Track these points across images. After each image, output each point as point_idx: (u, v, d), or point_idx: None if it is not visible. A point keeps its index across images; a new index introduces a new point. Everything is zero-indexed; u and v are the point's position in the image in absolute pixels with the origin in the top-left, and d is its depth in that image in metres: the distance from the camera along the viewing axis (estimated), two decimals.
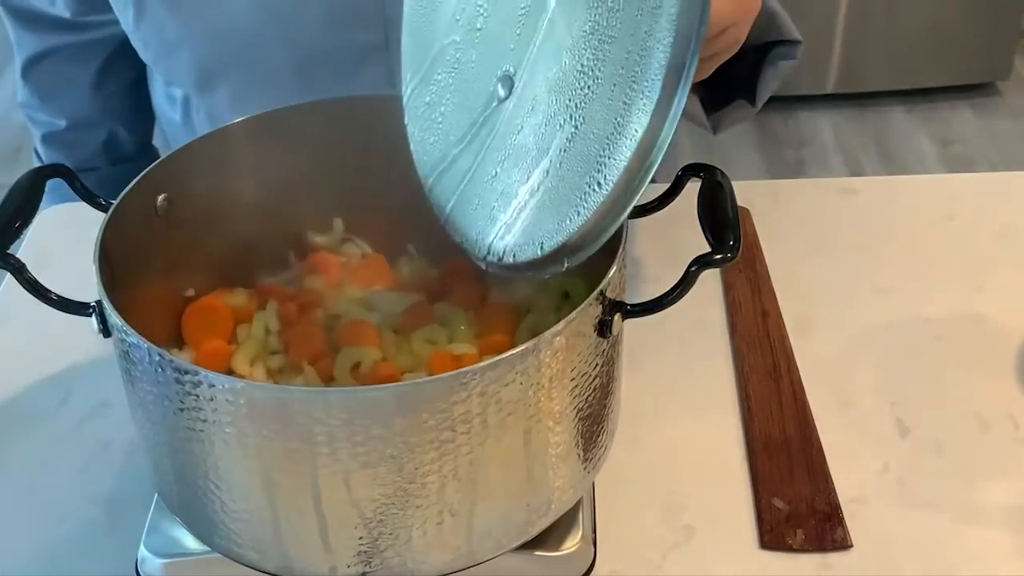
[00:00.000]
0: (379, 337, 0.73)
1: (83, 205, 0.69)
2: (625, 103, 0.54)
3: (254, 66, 0.93)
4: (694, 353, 0.85)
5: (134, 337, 0.57)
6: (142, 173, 0.68)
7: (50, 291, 0.62)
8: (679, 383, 0.82)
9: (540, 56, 0.58)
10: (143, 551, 0.68)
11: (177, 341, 0.74)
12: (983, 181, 1.02)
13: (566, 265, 0.58)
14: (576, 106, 0.56)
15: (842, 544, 0.70)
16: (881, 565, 0.70)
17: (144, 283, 0.68)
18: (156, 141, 1.19)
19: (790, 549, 0.70)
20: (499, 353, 0.56)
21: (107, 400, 0.82)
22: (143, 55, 0.98)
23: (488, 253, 0.62)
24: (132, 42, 0.97)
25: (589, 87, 0.55)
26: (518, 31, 0.60)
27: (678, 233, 0.92)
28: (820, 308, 0.87)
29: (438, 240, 0.80)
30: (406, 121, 0.69)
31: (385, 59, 0.91)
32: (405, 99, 0.69)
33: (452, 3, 0.65)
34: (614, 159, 0.54)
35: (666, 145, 0.54)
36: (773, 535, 0.71)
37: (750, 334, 0.85)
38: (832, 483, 0.74)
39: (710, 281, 0.90)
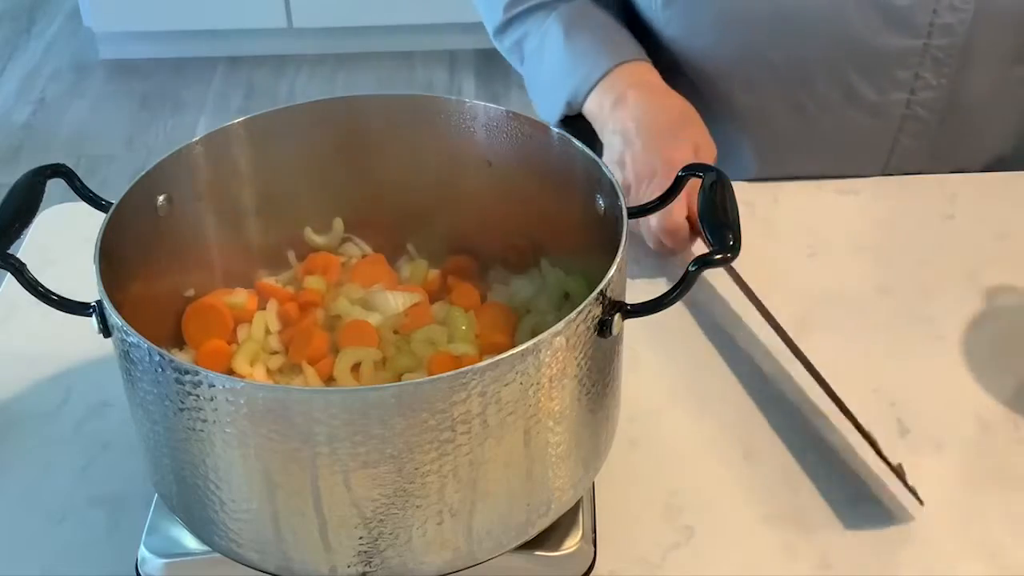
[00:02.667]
0: (379, 337, 0.73)
1: (83, 205, 0.69)
2: None
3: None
4: (694, 353, 0.85)
5: (134, 337, 0.57)
6: (142, 173, 0.68)
7: (50, 291, 0.62)
8: (679, 383, 0.82)
9: None
10: (143, 551, 0.68)
11: (177, 341, 0.74)
12: (983, 181, 1.02)
13: None
14: None
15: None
16: (881, 565, 0.70)
17: (144, 283, 0.68)
18: None
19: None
20: (499, 353, 0.56)
21: (107, 400, 0.82)
22: None
23: None
24: None
25: None
26: None
27: None
28: (820, 308, 0.87)
29: (438, 240, 0.80)
30: None
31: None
32: None
33: None
34: None
35: None
36: None
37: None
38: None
39: (711, 280, 0.90)
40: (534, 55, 1.06)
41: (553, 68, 1.02)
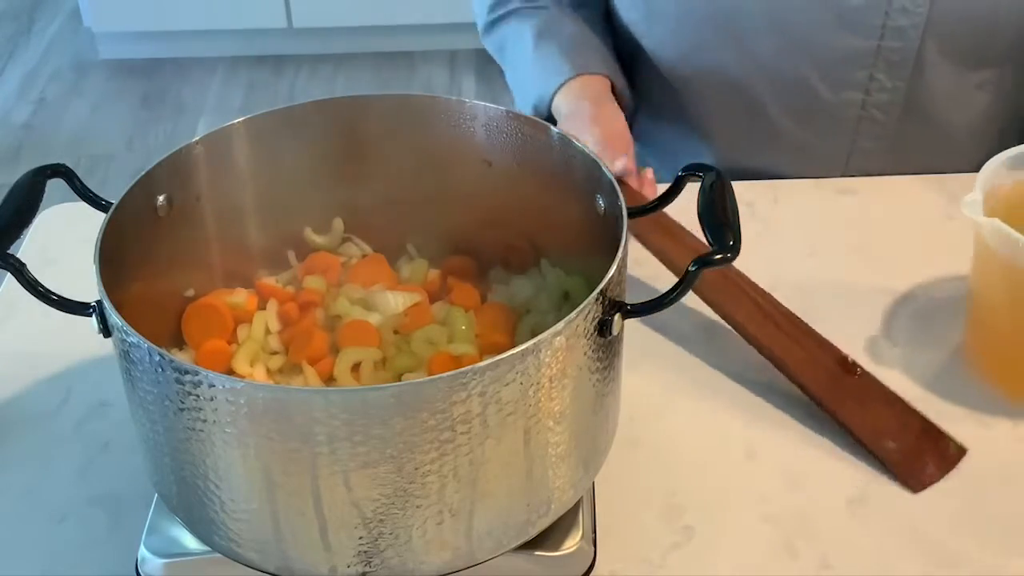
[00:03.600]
0: (379, 337, 0.73)
1: (83, 205, 0.69)
2: None
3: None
4: (694, 353, 0.85)
5: (134, 337, 0.57)
6: (142, 173, 0.68)
7: (50, 291, 0.62)
8: (679, 383, 0.82)
9: None
10: (143, 551, 0.68)
11: (177, 341, 0.74)
12: None
13: None
14: None
15: (959, 451, 0.75)
16: (882, 565, 0.70)
17: (144, 283, 0.68)
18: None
19: (931, 482, 0.74)
20: (499, 353, 0.56)
21: (107, 400, 0.82)
22: None
23: None
24: None
25: None
26: None
27: None
28: (820, 308, 0.87)
29: (438, 240, 0.80)
30: None
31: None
32: None
33: None
34: None
35: None
36: (912, 478, 0.74)
37: (717, 286, 0.85)
38: (904, 401, 0.76)
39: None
40: (512, 59, 1.09)
41: (524, 74, 1.06)
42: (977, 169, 0.79)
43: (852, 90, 1.01)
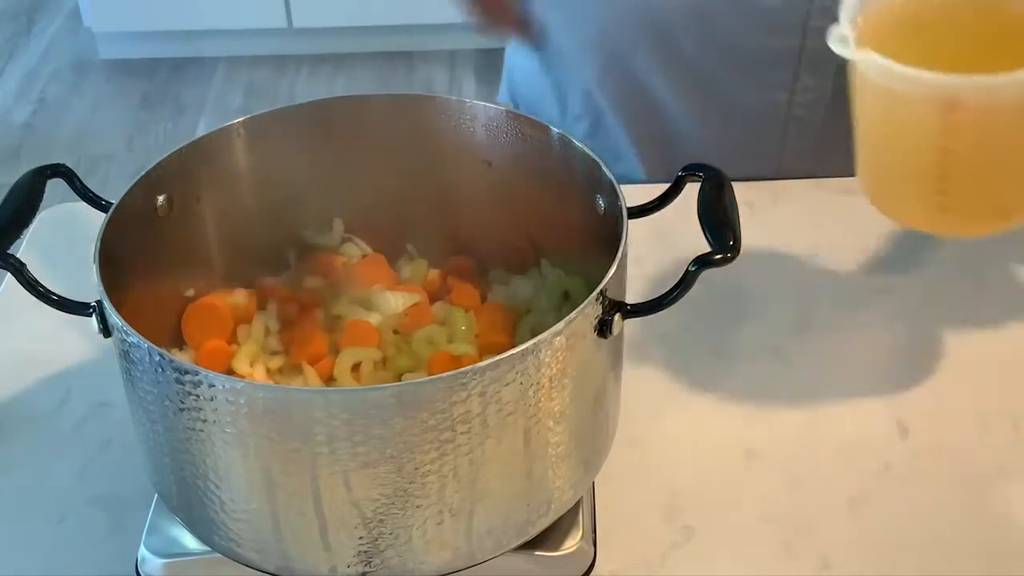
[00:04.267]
0: (379, 337, 0.73)
1: (83, 205, 0.69)
2: None
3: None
4: (694, 353, 0.85)
5: (134, 337, 0.57)
6: (142, 173, 0.68)
7: (50, 291, 0.62)
8: (679, 383, 0.82)
9: None
10: (143, 551, 0.68)
11: (177, 341, 0.74)
12: None
13: None
14: None
15: None
16: (882, 565, 0.70)
17: (144, 283, 0.68)
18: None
19: None
20: (499, 353, 0.56)
21: (107, 400, 0.82)
22: None
23: None
24: None
25: None
26: None
27: (678, 233, 0.92)
28: (820, 308, 0.87)
29: (438, 240, 0.80)
30: None
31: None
32: None
33: None
34: None
35: None
36: None
37: None
38: None
39: (711, 280, 0.90)
40: None
41: None
42: None
43: (778, 91, 1.01)
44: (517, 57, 1.16)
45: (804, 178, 1.01)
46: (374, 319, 0.74)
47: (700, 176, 0.67)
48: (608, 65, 1.04)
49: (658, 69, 1.01)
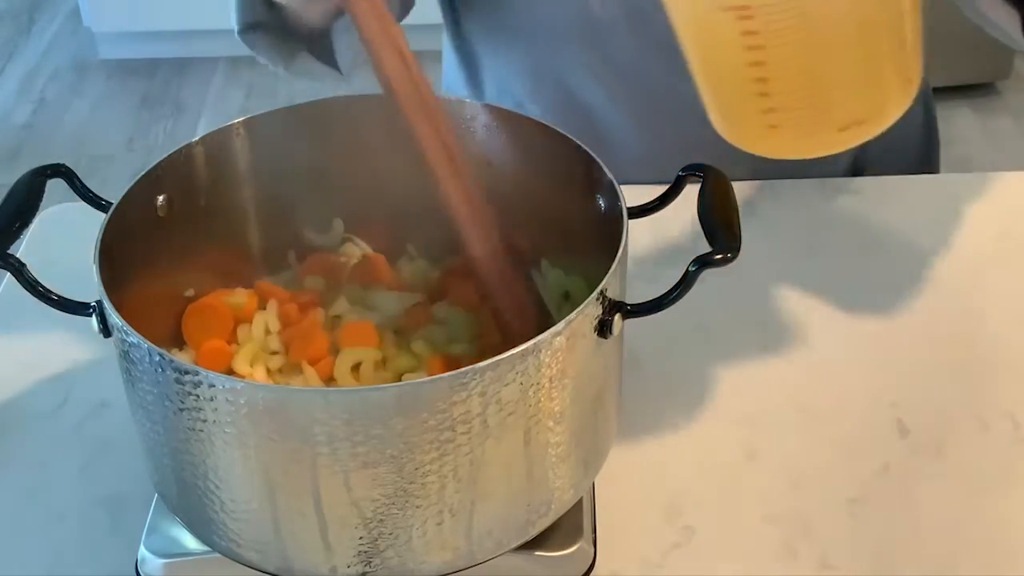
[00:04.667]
0: (379, 337, 0.73)
1: (83, 205, 0.69)
2: None
3: None
4: (694, 353, 0.85)
5: (134, 337, 0.57)
6: (142, 173, 0.68)
7: (50, 291, 0.62)
8: (679, 383, 0.82)
9: None
10: (143, 551, 0.68)
11: (177, 341, 0.74)
12: (983, 181, 1.02)
13: None
14: None
15: None
16: (882, 565, 0.70)
17: (144, 283, 0.68)
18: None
19: None
20: (499, 353, 0.56)
21: (107, 400, 0.82)
22: None
23: None
24: None
25: None
26: None
27: (678, 233, 0.92)
28: (820, 308, 0.87)
29: (438, 240, 0.80)
30: None
31: None
32: None
33: None
34: None
35: None
36: None
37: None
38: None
39: (711, 280, 0.90)
40: None
41: None
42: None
43: None
44: (448, 72, 1.14)
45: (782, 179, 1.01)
46: (374, 319, 0.74)
47: (700, 176, 0.66)
48: (539, 76, 1.03)
49: (593, 78, 1.00)
